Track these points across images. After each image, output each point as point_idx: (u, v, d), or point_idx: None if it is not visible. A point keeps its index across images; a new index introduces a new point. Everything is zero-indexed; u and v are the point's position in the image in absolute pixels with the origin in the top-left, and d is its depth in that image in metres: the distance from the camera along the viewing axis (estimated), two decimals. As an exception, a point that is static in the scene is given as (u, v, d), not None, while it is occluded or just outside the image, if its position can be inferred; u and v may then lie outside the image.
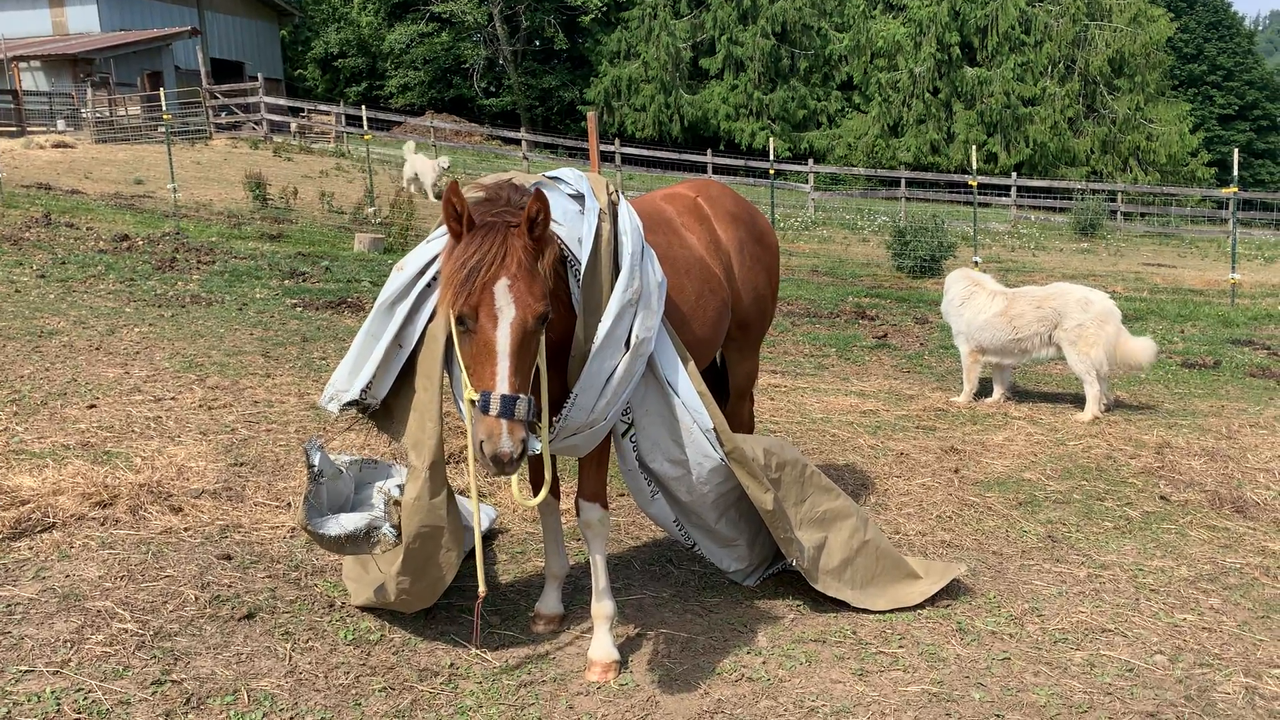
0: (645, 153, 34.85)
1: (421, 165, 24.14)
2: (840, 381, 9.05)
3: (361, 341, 3.80)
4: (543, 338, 3.40)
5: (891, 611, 4.53)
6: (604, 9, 49.76)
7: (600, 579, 4.03)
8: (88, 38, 39.67)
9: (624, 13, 49.81)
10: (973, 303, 8.36)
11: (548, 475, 3.66)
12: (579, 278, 3.62)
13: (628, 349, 3.69)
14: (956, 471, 6.47)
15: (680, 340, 4.17)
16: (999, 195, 33.63)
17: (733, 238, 4.64)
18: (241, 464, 5.80)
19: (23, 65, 36.04)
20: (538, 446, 3.63)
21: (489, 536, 5.18)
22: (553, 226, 3.60)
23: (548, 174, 3.92)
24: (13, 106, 33.50)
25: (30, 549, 4.57)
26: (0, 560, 4.41)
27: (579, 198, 3.79)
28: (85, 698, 3.46)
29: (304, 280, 12.29)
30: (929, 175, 35.00)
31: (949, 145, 45.57)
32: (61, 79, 36.58)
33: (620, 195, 3.96)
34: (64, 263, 11.91)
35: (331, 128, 37.51)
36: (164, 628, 3.98)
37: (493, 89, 52.86)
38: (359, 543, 3.88)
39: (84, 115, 33.50)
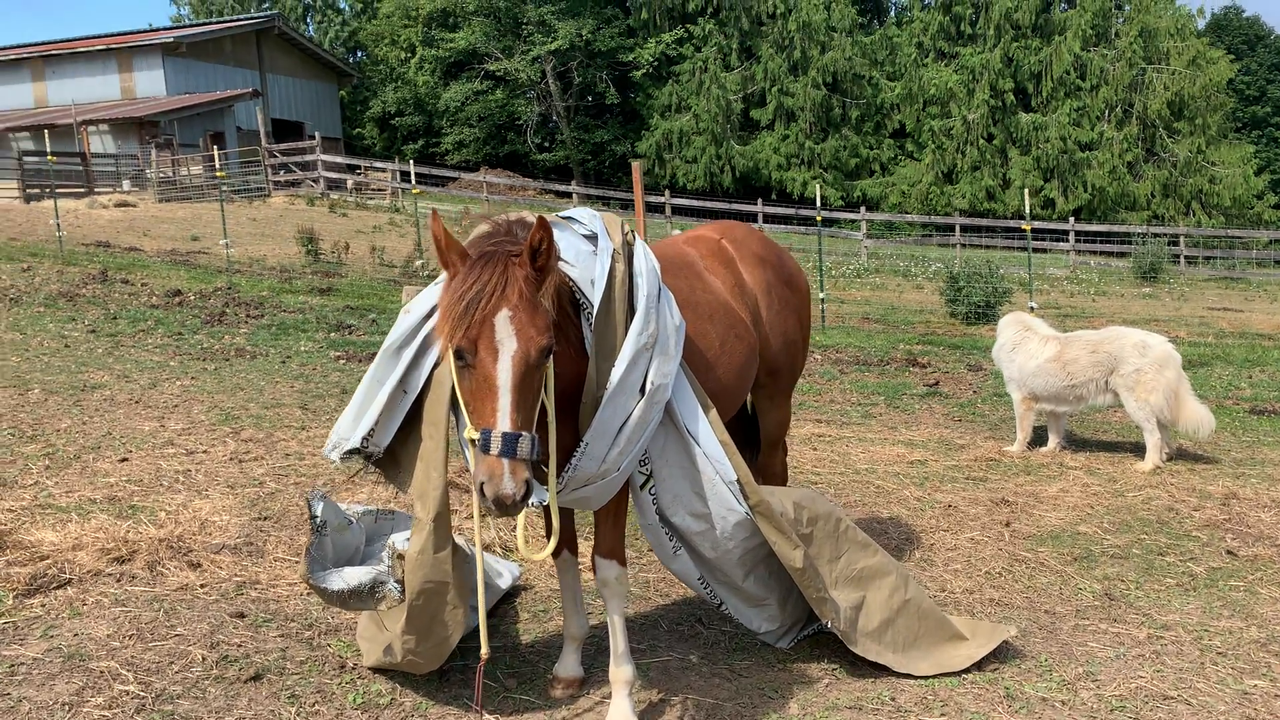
0: (694, 203, 34.92)
1: None
2: (888, 430, 8.76)
3: (366, 387, 3.66)
4: (551, 378, 3.25)
5: (935, 677, 4.24)
6: (655, 64, 50.23)
7: (618, 641, 3.82)
8: (154, 101, 40.91)
9: (675, 67, 50.22)
10: (1024, 348, 8.06)
11: (555, 526, 3.48)
12: (591, 320, 3.47)
13: (643, 395, 3.52)
14: (1008, 525, 6.16)
15: (702, 387, 3.99)
16: (1057, 241, 33.05)
17: (760, 280, 4.47)
18: (265, 518, 5.69)
19: (91, 129, 37.25)
20: (545, 497, 3.47)
21: (511, 594, 4.99)
22: (564, 267, 3.47)
23: (561, 214, 3.79)
24: (80, 168, 34.62)
25: (43, 606, 4.48)
26: (10, 618, 4.32)
27: (593, 238, 3.64)
28: (76, 765, 3.32)
29: (350, 333, 12.32)
30: (984, 221, 34.54)
31: (1004, 191, 45.05)
32: (128, 141, 37.69)
33: (636, 236, 3.81)
34: (115, 318, 12.07)
35: (387, 184, 38.21)
36: (166, 689, 3.85)
37: (546, 144, 53.48)
38: (363, 598, 3.72)
39: (148, 175, 34.45)
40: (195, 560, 5.01)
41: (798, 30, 47.27)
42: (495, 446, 2.82)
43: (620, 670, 3.83)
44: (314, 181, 34.24)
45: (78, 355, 10.11)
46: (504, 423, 2.85)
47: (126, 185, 34.70)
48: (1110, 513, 6.44)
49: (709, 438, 3.77)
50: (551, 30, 48.93)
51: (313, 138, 35.64)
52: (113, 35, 45.52)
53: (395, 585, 3.70)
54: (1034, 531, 6.07)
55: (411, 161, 32.41)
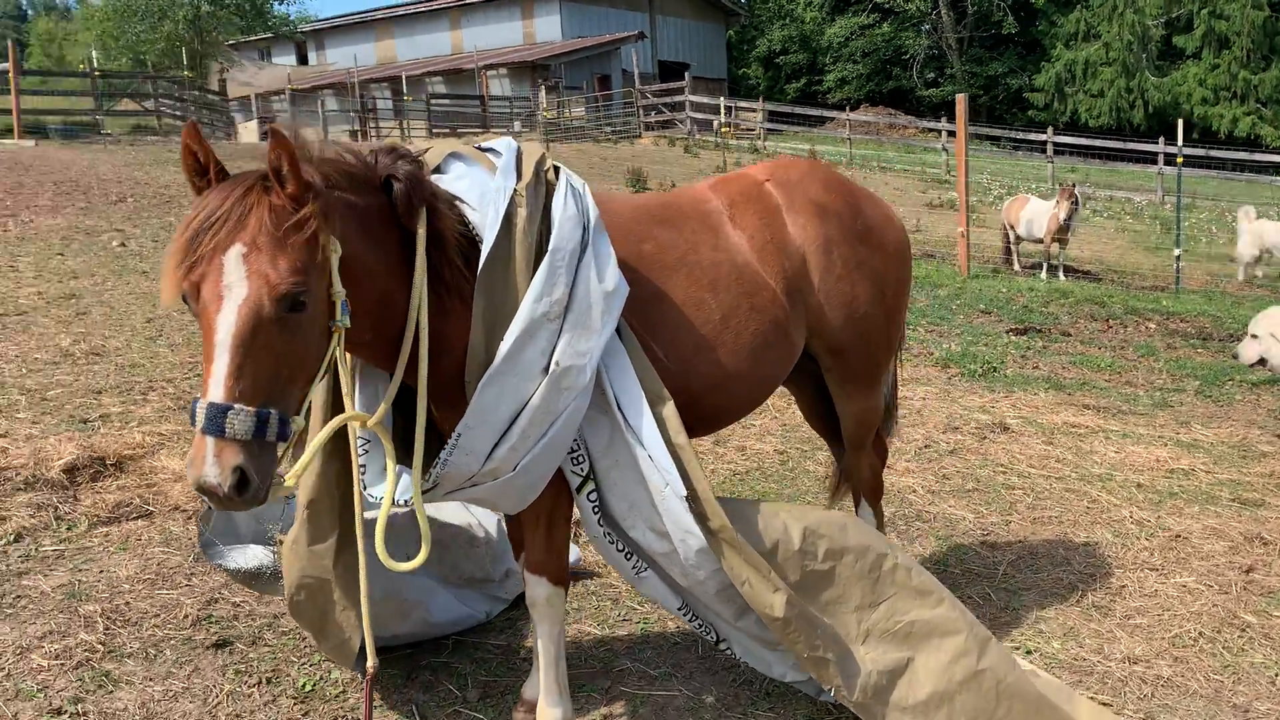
0: (1086, 141, 31.17)
1: None
2: (1174, 427, 7.04)
3: None
4: (421, 353, 2.64)
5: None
6: (1063, -12, 45.51)
7: (547, 675, 3.16)
8: (548, 45, 43.41)
9: (1085, -10, 45.18)
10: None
11: (424, 532, 2.86)
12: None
13: (545, 377, 2.78)
14: (1249, 572, 4.61)
15: (695, 372, 3.17)
16: None
17: (814, 235, 3.46)
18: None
19: (491, 73, 40.24)
20: (406, 496, 2.86)
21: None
22: (466, 211, 2.81)
23: (482, 144, 3.08)
24: (479, 110, 37.54)
25: (105, 537, 4.56)
26: (69, 545, 4.43)
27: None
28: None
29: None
30: None
31: None
32: (523, 84, 40.31)
33: (565, 174, 3.02)
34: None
35: (756, 124, 37.88)
36: (124, 645, 3.73)
37: (934, 79, 50.50)
38: (265, 582, 3.33)
39: (536, 117, 36.64)
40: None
41: (1238, -60, 40.60)
42: (198, 420, 2.21)
43: (550, 711, 3.17)
44: (681, 122, 34.64)
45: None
46: (214, 390, 2.21)
47: (517, 126, 37.14)
48: None
49: (654, 438, 2.95)
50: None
51: (682, 78, 36.02)
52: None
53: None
54: (1283, 587, 4.49)
55: (796, 101, 31.76)
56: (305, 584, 3.14)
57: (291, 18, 42.30)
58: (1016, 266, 15.04)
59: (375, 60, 47.69)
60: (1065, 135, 32.11)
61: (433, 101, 37.07)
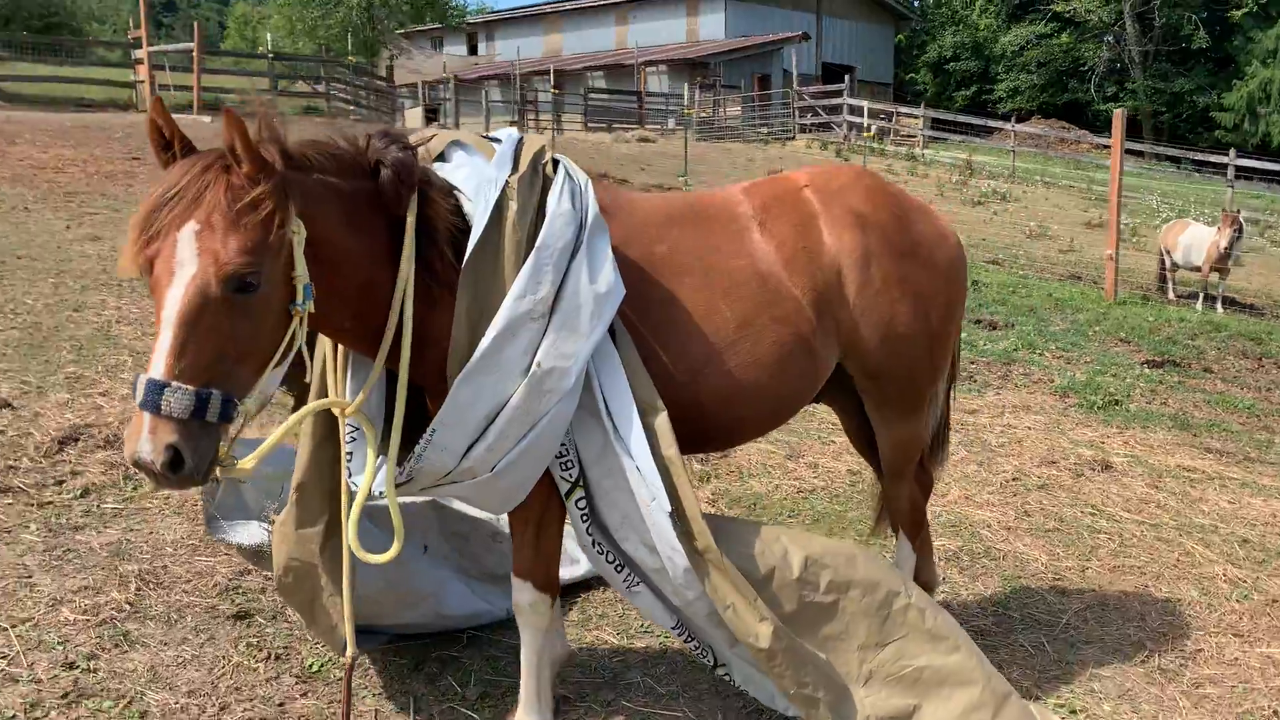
0: (1272, 166, 29.05)
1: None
2: (1306, 478, 6.42)
3: None
4: (413, 339, 2.64)
5: None
6: (1264, 1, 42.53)
7: (527, 683, 3.08)
8: (708, 44, 43.37)
9: (1290, 3, 42.16)
10: None
11: (397, 524, 2.81)
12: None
13: (525, 378, 2.69)
14: (1349, 650, 4.13)
15: (703, 384, 3.03)
16: None
17: (852, 246, 3.25)
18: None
19: (650, 69, 40.48)
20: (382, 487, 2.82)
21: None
22: (462, 200, 2.76)
23: (490, 134, 3.01)
24: (635, 106, 37.82)
25: (164, 499, 4.70)
26: (131, 504, 4.59)
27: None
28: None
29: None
30: None
31: None
32: (680, 81, 40.40)
33: (565, 169, 2.91)
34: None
35: (916, 131, 36.84)
36: (150, 607, 3.84)
37: (1114, 93, 48.06)
38: (267, 560, 3.35)
39: (688, 115, 36.66)
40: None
41: None
42: (137, 394, 2.20)
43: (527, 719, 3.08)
44: (837, 125, 34.00)
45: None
46: (155, 367, 2.20)
47: (671, 123, 37.23)
48: None
49: (642, 450, 2.81)
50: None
51: (842, 81, 35.40)
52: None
53: (280, 554, 3.29)
54: (1391, 670, 4.00)
55: (964, 110, 30.79)
56: (292, 567, 3.15)
57: (471, 7, 43.66)
58: (1171, 295, 14.11)
59: (542, 53, 48.68)
60: (1252, 159, 30.00)
61: (590, 96, 37.56)
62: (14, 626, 3.59)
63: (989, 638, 4.11)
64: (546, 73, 38.75)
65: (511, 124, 34.58)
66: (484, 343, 2.66)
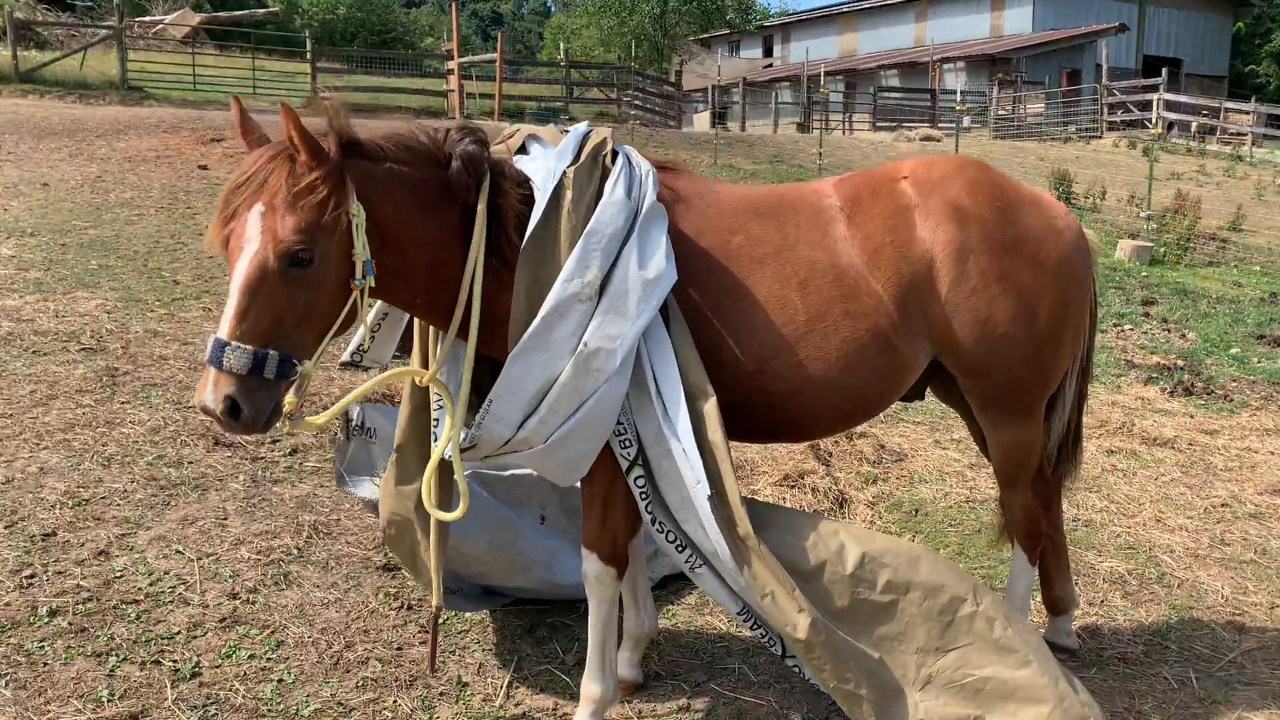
0: None
1: None
2: None
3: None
4: (476, 312, 2.85)
5: None
6: None
7: (593, 653, 3.22)
8: (1010, 39, 41.22)
9: None
10: None
11: (463, 488, 3.02)
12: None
13: (572, 358, 2.83)
14: None
15: (775, 374, 3.06)
16: None
17: (945, 240, 3.13)
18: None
19: (946, 66, 39.07)
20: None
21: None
22: (535, 190, 2.96)
23: (568, 128, 3.16)
24: (928, 104, 36.68)
25: (315, 464, 5.18)
26: (319, 464, 5.14)
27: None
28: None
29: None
30: None
31: None
32: (979, 78, 38.73)
33: (625, 160, 3.01)
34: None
35: (1247, 129, 33.30)
36: (314, 553, 4.32)
37: None
38: (383, 512, 3.68)
39: (988, 113, 35.06)
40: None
41: None
42: (206, 351, 2.54)
43: (590, 686, 3.24)
44: (1148, 123, 31.34)
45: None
46: (222, 328, 2.52)
47: (966, 121, 35.77)
48: None
49: (687, 433, 2.88)
50: None
51: (1159, 74, 32.56)
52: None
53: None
54: None
55: (1270, 105, 27.66)
56: (395, 520, 3.45)
57: (772, 11, 43.98)
58: None
59: (837, 53, 48.21)
60: None
61: (880, 95, 36.83)
62: (200, 559, 4.16)
63: (1130, 666, 3.81)
64: (836, 73, 38.41)
65: (799, 126, 34.57)
66: (534, 322, 2.83)
